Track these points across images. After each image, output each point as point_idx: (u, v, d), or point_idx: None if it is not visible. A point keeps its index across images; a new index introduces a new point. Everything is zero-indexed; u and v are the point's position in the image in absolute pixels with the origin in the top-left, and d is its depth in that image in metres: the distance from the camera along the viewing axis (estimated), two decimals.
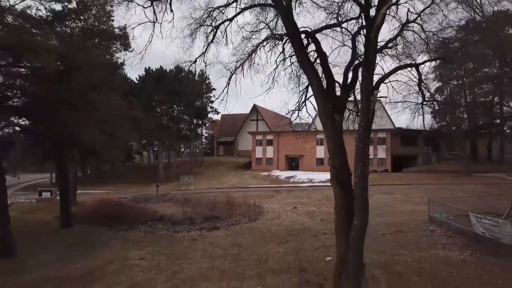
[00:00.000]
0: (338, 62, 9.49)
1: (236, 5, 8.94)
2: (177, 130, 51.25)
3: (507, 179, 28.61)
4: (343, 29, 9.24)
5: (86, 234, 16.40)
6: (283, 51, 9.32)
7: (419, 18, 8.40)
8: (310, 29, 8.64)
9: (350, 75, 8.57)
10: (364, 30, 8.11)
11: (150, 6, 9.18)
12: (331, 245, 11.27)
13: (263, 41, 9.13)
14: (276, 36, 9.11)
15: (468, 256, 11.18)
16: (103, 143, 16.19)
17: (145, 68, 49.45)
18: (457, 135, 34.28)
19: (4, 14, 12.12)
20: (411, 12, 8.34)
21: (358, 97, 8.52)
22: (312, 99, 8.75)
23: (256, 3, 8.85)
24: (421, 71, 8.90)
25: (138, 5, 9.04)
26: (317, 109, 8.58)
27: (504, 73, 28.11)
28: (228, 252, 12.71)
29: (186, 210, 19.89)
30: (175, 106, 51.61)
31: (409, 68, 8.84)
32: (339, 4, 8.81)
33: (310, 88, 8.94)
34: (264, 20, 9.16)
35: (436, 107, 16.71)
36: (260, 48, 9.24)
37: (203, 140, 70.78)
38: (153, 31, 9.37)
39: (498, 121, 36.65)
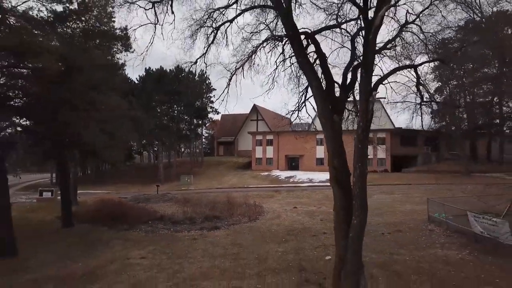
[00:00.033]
0: (338, 63, 9.58)
1: (236, 6, 9.02)
2: (177, 130, 51.31)
3: (506, 179, 28.61)
4: (343, 30, 9.34)
5: (87, 233, 16.47)
6: (283, 52, 9.38)
7: (417, 19, 8.45)
8: (310, 30, 8.69)
9: (349, 76, 8.61)
10: (363, 31, 8.16)
11: (152, 8, 9.26)
12: (331, 244, 11.33)
13: (263, 42, 9.18)
14: (276, 37, 9.15)
15: (467, 255, 11.24)
16: (104, 143, 16.20)
17: (146, 68, 49.54)
18: (457, 135, 34.39)
19: (6, 15, 12.21)
20: (410, 13, 8.39)
21: (358, 97, 8.56)
22: (312, 100, 8.79)
23: (256, 4, 8.90)
24: (420, 71, 8.95)
25: (140, 7, 9.14)
26: (316, 110, 8.61)
27: (503, 73, 28.25)
28: (228, 251, 12.78)
29: (186, 210, 19.95)
30: (175, 106, 51.68)
31: (408, 69, 8.90)
32: (339, 5, 8.91)
33: (309, 89, 8.98)
34: (264, 21, 9.23)
35: (435, 108, 16.77)
36: (260, 49, 9.29)
37: (203, 140, 70.89)
38: (154, 32, 9.49)
39: (498, 121, 36.79)
